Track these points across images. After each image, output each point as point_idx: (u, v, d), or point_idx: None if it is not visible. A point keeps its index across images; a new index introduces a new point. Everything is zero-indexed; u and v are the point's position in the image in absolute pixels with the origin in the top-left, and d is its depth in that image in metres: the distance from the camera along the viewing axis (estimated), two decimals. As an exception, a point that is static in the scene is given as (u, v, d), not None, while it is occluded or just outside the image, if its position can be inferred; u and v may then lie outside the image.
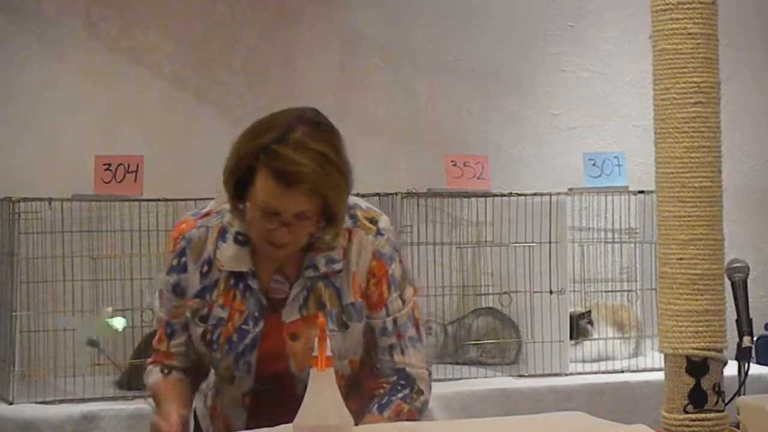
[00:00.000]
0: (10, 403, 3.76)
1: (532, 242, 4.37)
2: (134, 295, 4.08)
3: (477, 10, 4.88)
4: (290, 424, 2.17)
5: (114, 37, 4.50)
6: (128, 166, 3.94)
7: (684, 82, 2.43)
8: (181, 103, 4.56)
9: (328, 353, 2.13)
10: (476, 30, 4.90)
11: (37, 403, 3.73)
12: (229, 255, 2.61)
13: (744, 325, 2.74)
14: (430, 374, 2.73)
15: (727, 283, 2.55)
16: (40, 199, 3.90)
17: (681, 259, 2.42)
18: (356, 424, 2.37)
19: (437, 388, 4.13)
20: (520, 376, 4.32)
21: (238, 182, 2.53)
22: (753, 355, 2.71)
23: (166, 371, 2.69)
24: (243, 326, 2.60)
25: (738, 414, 2.67)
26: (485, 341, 4.46)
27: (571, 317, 4.41)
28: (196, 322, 2.64)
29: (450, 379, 4.25)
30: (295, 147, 2.45)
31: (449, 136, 4.82)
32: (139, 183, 3.94)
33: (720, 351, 2.41)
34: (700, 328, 2.40)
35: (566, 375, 4.32)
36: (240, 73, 4.66)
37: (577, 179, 4.58)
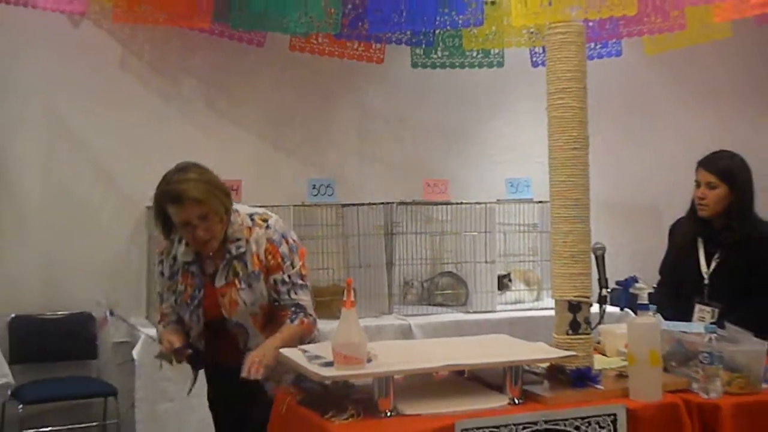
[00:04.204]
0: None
1: (474, 232, 4.39)
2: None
3: (442, 88, 4.88)
4: (329, 342, 2.17)
5: (224, 109, 4.50)
6: (232, 186, 3.96)
7: (567, 136, 2.43)
8: (263, 149, 4.57)
9: (352, 298, 2.09)
10: (442, 101, 4.90)
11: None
12: (181, 252, 2.59)
13: (602, 282, 2.73)
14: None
15: (592, 257, 2.55)
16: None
17: (565, 242, 2.42)
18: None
19: (419, 320, 4.13)
20: (467, 312, 4.33)
21: (164, 223, 2.53)
22: (608, 300, 2.71)
23: (164, 324, 2.65)
24: (193, 293, 2.58)
25: (599, 335, 2.71)
26: (447, 291, 4.47)
27: (499, 277, 4.42)
28: (171, 294, 2.64)
29: (425, 315, 4.25)
30: (176, 180, 2.45)
31: (426, 167, 4.82)
32: (239, 196, 3.97)
33: (588, 297, 2.41)
34: (576, 284, 2.40)
35: (495, 312, 4.33)
36: (299, 130, 4.66)
37: (501, 194, 4.57)
